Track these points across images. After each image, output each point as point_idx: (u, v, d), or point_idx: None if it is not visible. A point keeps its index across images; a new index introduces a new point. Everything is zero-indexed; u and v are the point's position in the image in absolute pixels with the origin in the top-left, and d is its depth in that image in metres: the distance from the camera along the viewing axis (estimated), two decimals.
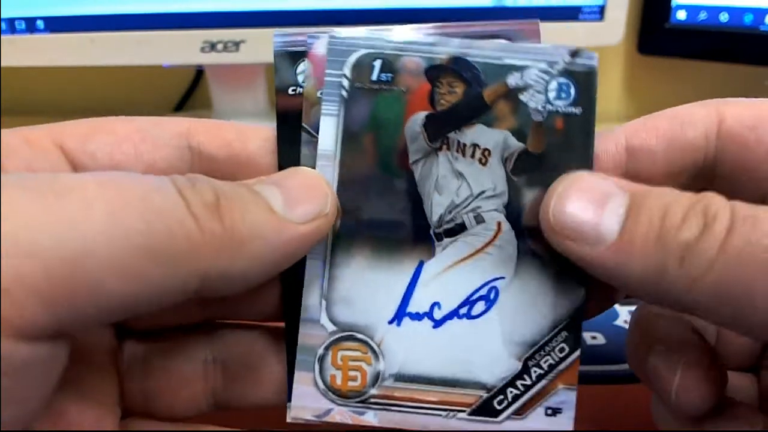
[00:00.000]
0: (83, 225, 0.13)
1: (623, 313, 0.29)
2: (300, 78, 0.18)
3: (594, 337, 0.27)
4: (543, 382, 0.18)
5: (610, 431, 0.22)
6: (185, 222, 0.14)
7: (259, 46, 0.50)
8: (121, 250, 0.13)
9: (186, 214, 0.14)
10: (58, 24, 0.49)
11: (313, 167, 0.18)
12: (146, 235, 0.13)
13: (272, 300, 0.19)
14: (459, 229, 0.18)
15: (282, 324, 0.19)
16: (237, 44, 0.50)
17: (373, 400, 0.18)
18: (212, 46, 0.50)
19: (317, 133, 0.18)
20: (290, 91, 0.18)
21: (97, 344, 0.18)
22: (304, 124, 0.18)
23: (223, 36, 0.50)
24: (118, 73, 0.57)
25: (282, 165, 0.18)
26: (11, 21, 0.48)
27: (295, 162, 0.18)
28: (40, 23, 0.49)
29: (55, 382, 0.14)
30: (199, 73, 0.64)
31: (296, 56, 0.18)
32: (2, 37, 0.48)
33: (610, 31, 0.49)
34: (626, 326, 0.28)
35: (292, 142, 0.18)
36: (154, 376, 0.18)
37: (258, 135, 0.18)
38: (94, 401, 0.17)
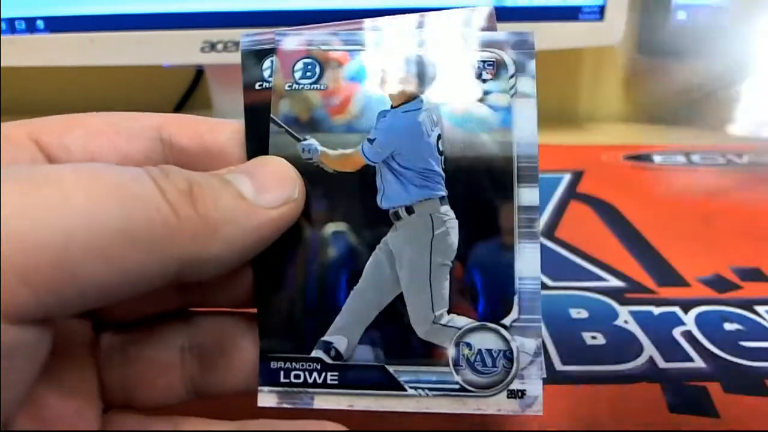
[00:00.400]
0: (63, 212, 0.13)
1: (623, 313, 0.29)
2: (266, 74, 0.20)
3: (594, 337, 0.27)
4: None
5: (610, 431, 0.22)
6: (161, 208, 0.14)
7: None
8: (102, 236, 0.13)
9: (162, 201, 0.14)
10: (58, 24, 0.49)
11: (281, 156, 0.19)
12: (125, 221, 0.14)
13: (245, 286, 0.19)
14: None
15: (254, 310, 0.19)
16: (237, 44, 0.50)
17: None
18: (212, 46, 0.50)
19: (285, 124, 0.19)
20: (257, 87, 0.20)
21: (75, 336, 0.18)
22: (272, 116, 0.19)
23: (223, 36, 0.50)
24: (118, 73, 0.57)
25: (251, 155, 0.19)
26: (11, 21, 0.48)
27: (264, 152, 0.19)
28: (40, 23, 0.49)
29: (39, 369, 0.14)
30: (199, 73, 0.64)
31: (262, 54, 0.20)
32: (2, 37, 0.48)
33: (610, 31, 0.49)
34: (626, 326, 0.28)
35: (260, 133, 0.19)
36: (132, 365, 0.19)
37: (228, 128, 0.19)
38: (74, 393, 0.17)
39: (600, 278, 0.32)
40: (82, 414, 0.17)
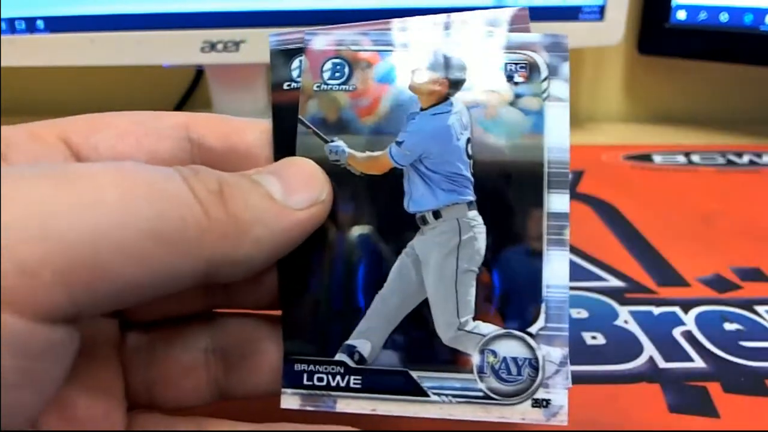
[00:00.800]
0: (97, 209, 0.13)
1: (623, 313, 0.29)
2: (294, 74, 0.19)
3: (594, 337, 0.27)
4: None
5: (610, 431, 0.22)
6: (193, 208, 0.14)
7: (259, 46, 0.50)
8: (134, 234, 0.13)
9: (193, 201, 0.14)
10: (58, 24, 0.49)
11: (309, 157, 0.18)
12: (156, 221, 0.14)
13: (269, 288, 0.19)
14: None
15: (279, 312, 0.19)
16: (237, 44, 0.50)
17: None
18: (212, 46, 0.50)
19: (313, 125, 0.19)
20: (285, 87, 0.19)
21: (102, 336, 0.18)
22: (300, 117, 0.19)
23: (223, 36, 0.50)
24: (118, 73, 0.57)
25: (278, 156, 0.19)
26: (11, 21, 0.48)
27: (291, 153, 0.19)
28: (40, 23, 0.49)
29: (68, 368, 0.14)
30: (199, 73, 0.64)
31: (291, 53, 0.19)
32: (2, 37, 0.48)
33: (610, 31, 0.49)
34: (626, 326, 0.28)
35: (287, 134, 0.19)
36: (157, 366, 0.19)
37: (255, 128, 0.19)
38: (101, 393, 0.17)
39: (600, 278, 0.32)
40: (110, 414, 0.17)
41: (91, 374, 0.17)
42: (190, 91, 0.67)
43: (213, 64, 0.52)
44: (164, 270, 0.14)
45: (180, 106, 0.67)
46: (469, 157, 0.19)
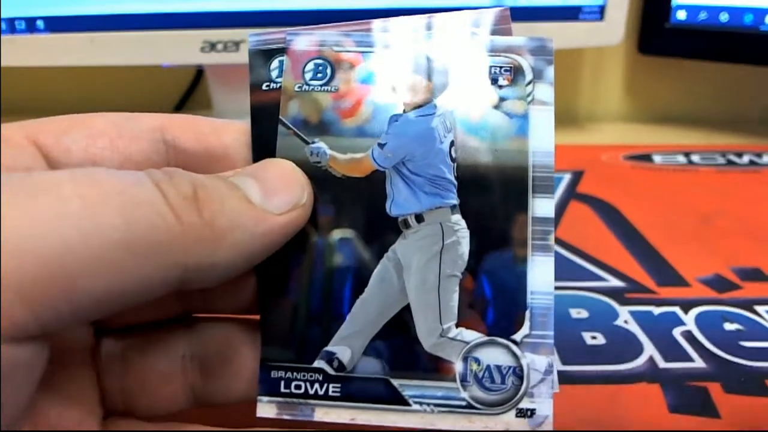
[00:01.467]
0: (59, 223, 0.13)
1: (623, 313, 0.29)
2: (274, 74, 0.19)
3: (594, 337, 0.27)
4: None
5: (610, 431, 0.22)
6: (164, 214, 0.14)
7: None
8: (100, 245, 0.13)
9: (164, 207, 0.14)
10: (58, 24, 0.49)
11: (289, 159, 0.18)
12: (124, 230, 0.13)
13: (248, 293, 0.19)
14: None
15: (257, 317, 0.19)
16: (237, 44, 0.50)
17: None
18: (212, 46, 0.50)
19: (294, 126, 0.19)
20: (264, 87, 0.19)
21: (75, 344, 0.18)
22: (281, 117, 0.19)
23: (222, 36, 0.50)
24: (118, 73, 0.57)
25: (257, 158, 0.18)
26: (11, 21, 0.48)
27: (271, 154, 0.18)
28: (40, 23, 0.49)
29: (37, 383, 0.14)
30: (199, 72, 0.64)
31: (270, 54, 0.19)
32: (2, 37, 0.48)
33: (610, 31, 0.49)
34: (626, 326, 0.28)
35: (267, 135, 0.19)
36: (133, 373, 0.18)
37: (233, 128, 0.19)
38: (74, 402, 0.17)
39: (600, 278, 0.32)
40: (83, 422, 0.17)
41: (64, 382, 0.17)
42: (189, 91, 0.66)
43: (213, 64, 0.52)
44: (135, 279, 0.14)
45: (180, 106, 0.67)
46: (452, 160, 0.18)
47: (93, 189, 0.13)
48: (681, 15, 0.53)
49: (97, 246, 0.13)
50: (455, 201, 0.18)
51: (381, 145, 0.18)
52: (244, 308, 0.19)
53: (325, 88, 0.19)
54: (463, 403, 0.18)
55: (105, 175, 0.14)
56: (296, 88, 0.19)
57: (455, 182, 0.18)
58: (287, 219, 0.16)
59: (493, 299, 0.18)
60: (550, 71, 0.19)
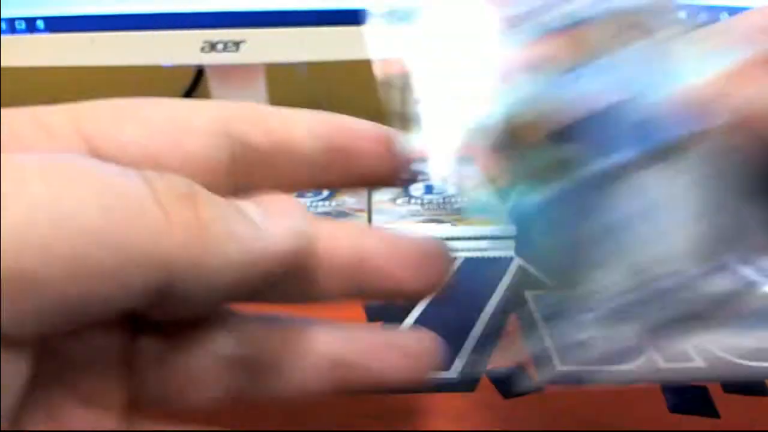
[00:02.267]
0: (18, 206, 0.11)
1: None
2: None
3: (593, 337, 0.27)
4: None
5: (610, 431, 0.22)
6: (149, 207, 0.12)
7: (259, 46, 0.50)
8: (68, 236, 0.11)
9: (150, 200, 0.12)
10: (58, 24, 0.49)
11: None
12: (96, 220, 0.12)
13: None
14: None
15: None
16: (237, 44, 0.50)
17: None
18: (212, 46, 0.50)
19: None
20: None
21: (103, 344, 0.16)
22: None
23: (223, 36, 0.50)
24: (118, 72, 0.57)
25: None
26: (11, 21, 0.48)
27: None
28: (40, 23, 0.49)
29: (19, 394, 0.13)
30: (200, 72, 0.64)
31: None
32: (2, 36, 0.48)
33: None
34: None
35: None
36: (171, 374, 0.16)
37: (302, 119, 0.17)
38: (95, 403, 0.15)
39: None
40: (101, 423, 0.15)
41: (86, 381, 0.15)
42: (190, 91, 0.67)
43: (213, 64, 0.52)
44: (107, 277, 0.12)
45: None
46: None
47: (63, 172, 0.12)
48: (681, 15, 0.53)
49: (65, 237, 0.11)
50: None
51: None
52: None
53: None
54: None
55: (83, 162, 0.13)
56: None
57: None
58: (288, 244, 0.15)
59: None
60: None
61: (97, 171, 0.12)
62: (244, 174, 0.16)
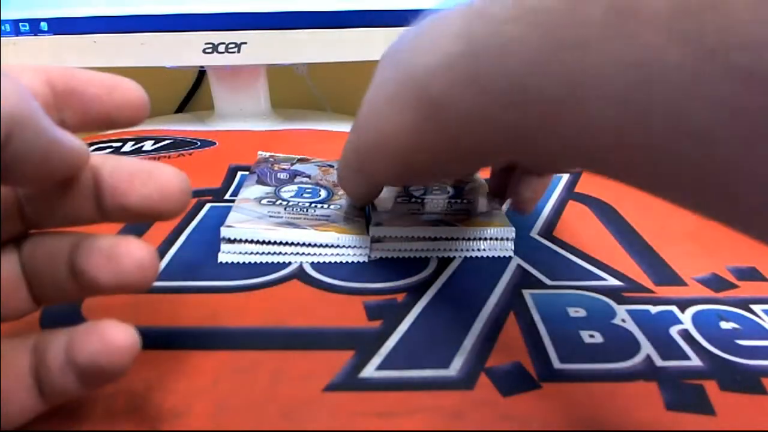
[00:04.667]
0: None
1: (621, 312, 0.29)
2: None
3: (592, 336, 0.27)
4: None
5: (610, 431, 0.23)
6: None
7: (260, 47, 0.51)
8: None
9: None
10: (61, 26, 0.49)
11: None
12: None
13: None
14: None
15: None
16: (238, 46, 0.50)
17: None
18: (214, 48, 0.50)
19: None
20: None
21: None
22: None
23: (224, 38, 0.50)
24: (120, 74, 0.58)
25: None
26: (15, 23, 0.49)
27: None
28: (43, 25, 0.49)
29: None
30: (201, 74, 0.65)
31: None
32: (6, 38, 0.49)
33: None
34: (624, 325, 0.28)
35: None
36: None
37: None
38: None
39: (598, 277, 0.32)
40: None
41: None
42: (192, 92, 0.67)
43: (215, 65, 0.52)
44: None
45: (182, 107, 0.67)
46: None
47: None
48: None
49: None
50: None
51: None
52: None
53: None
54: None
55: None
56: None
57: None
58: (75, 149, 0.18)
59: None
60: None
61: None
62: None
